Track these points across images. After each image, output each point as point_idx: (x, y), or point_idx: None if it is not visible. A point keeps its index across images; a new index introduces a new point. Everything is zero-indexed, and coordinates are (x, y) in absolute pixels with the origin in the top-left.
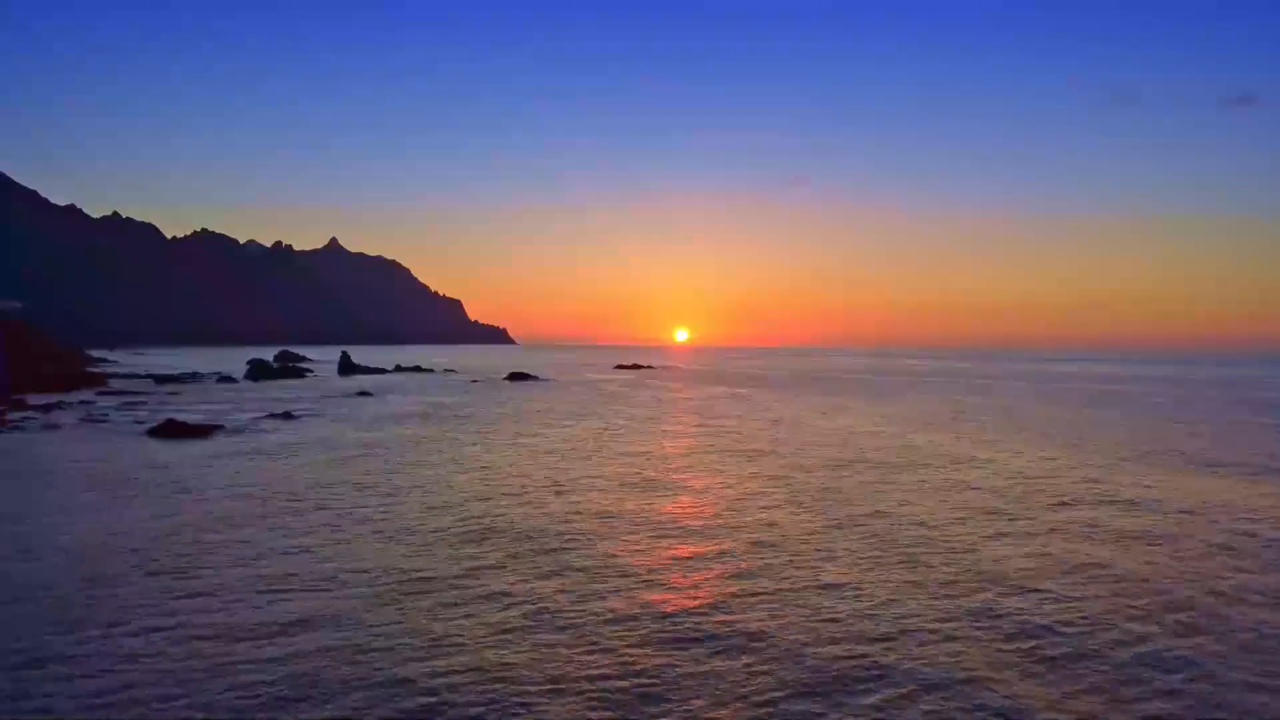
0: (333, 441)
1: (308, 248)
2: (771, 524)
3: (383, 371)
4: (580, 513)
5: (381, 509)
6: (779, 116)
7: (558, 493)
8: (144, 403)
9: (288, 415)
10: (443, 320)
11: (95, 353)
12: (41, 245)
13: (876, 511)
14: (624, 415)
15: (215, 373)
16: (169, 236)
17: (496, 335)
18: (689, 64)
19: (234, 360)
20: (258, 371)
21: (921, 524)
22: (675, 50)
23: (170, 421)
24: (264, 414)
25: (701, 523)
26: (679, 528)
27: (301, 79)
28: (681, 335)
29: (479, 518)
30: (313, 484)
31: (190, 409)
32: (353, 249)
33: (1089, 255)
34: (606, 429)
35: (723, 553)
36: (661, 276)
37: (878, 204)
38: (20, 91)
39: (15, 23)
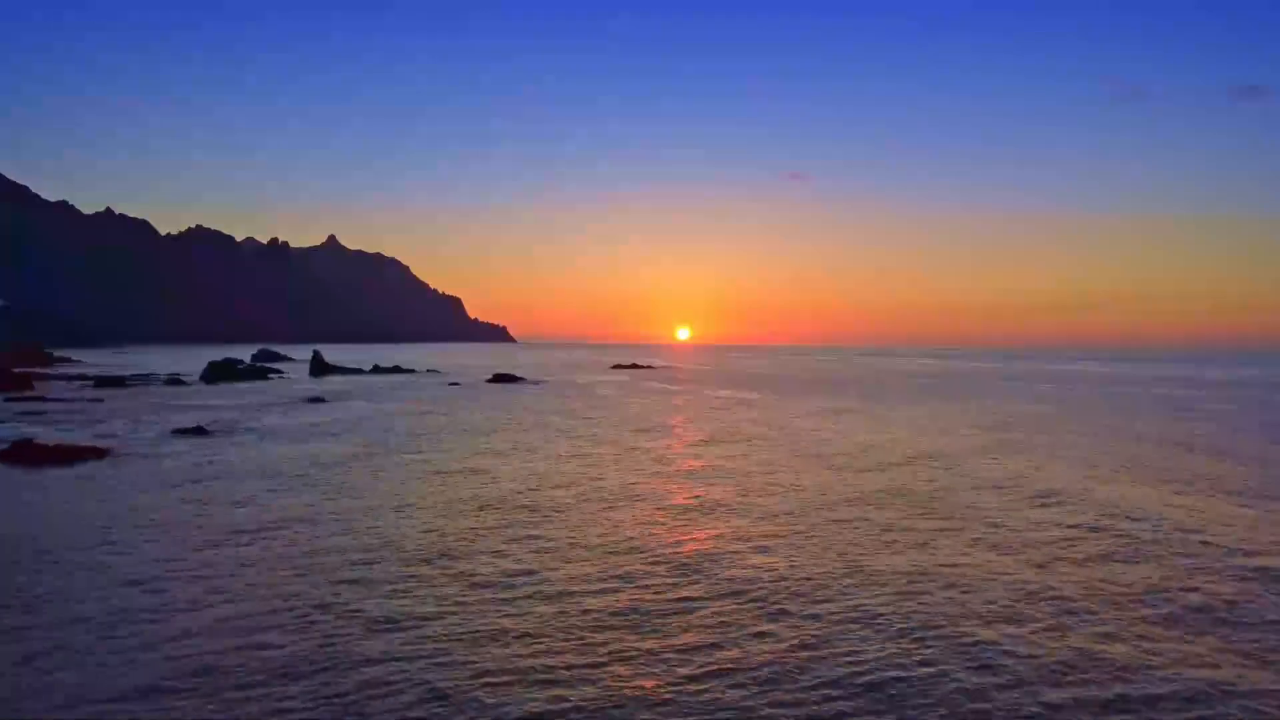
0: (201, 474)
1: (305, 245)
2: None
3: (359, 372)
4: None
5: None
6: (774, 110)
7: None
8: (52, 411)
9: (199, 430)
10: (442, 318)
11: (62, 352)
12: (32, 242)
13: None
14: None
15: (172, 374)
16: (163, 233)
17: (497, 333)
18: (686, 60)
19: (221, 359)
20: (215, 373)
21: None
22: (673, 46)
23: (25, 443)
24: (175, 428)
25: None
26: None
27: (299, 74)
28: (683, 334)
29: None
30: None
31: (98, 422)
32: (351, 246)
33: (1091, 254)
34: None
35: None
36: (662, 274)
37: (876, 199)
38: (11, 86)
39: (7, 17)
